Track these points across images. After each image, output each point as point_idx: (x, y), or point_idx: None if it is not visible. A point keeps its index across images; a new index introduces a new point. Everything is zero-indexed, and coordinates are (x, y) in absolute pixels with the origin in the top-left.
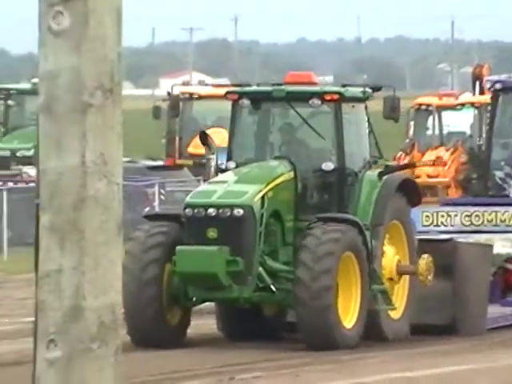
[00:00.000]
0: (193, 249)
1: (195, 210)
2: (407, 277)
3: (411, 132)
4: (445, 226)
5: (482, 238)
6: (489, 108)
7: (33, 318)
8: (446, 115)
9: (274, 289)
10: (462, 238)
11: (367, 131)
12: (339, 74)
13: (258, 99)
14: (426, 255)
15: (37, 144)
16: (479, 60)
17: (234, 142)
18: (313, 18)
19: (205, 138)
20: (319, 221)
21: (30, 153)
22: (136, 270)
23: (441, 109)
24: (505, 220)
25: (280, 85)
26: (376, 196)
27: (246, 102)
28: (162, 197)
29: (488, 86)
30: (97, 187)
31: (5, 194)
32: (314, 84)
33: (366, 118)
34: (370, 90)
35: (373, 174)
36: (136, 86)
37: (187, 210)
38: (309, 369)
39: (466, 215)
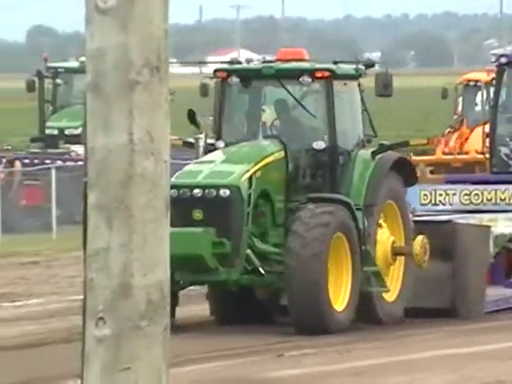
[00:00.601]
0: (177, 230)
1: (180, 191)
2: (403, 258)
3: (460, 108)
4: (443, 204)
5: (484, 218)
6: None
7: (81, 296)
8: None
9: (262, 271)
10: (463, 218)
11: (360, 109)
12: (386, 50)
13: (248, 77)
14: (421, 236)
15: (84, 122)
16: None
17: (223, 120)
18: None
19: (193, 117)
20: (309, 201)
21: (78, 131)
22: None
23: (489, 84)
24: (505, 198)
25: (271, 62)
26: (369, 175)
27: (235, 79)
28: None
29: (493, 59)
30: (144, 165)
31: (53, 172)
32: (306, 61)
33: (359, 96)
34: (362, 67)
35: (366, 152)
36: (182, 64)
37: (172, 191)
38: (354, 347)
39: (465, 194)
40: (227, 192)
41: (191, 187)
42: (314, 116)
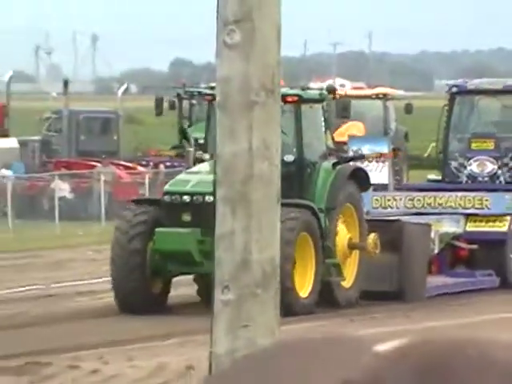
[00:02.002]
0: (169, 230)
1: (172, 197)
2: (358, 252)
3: None
4: (391, 208)
5: (431, 219)
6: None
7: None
8: None
9: None
10: (412, 219)
11: (323, 128)
12: (454, 78)
13: None
14: (373, 234)
15: (205, 133)
16: None
17: (209, 136)
18: (432, 32)
19: (184, 134)
20: (280, 206)
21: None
22: (123, 242)
23: None
24: (441, 203)
25: None
26: (330, 183)
27: None
28: None
29: (446, 89)
30: (260, 167)
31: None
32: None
33: (323, 116)
34: (325, 93)
35: (328, 164)
36: (291, 88)
37: (166, 197)
38: (417, 312)
39: (409, 199)
40: (211, 198)
41: (181, 194)
42: (285, 133)
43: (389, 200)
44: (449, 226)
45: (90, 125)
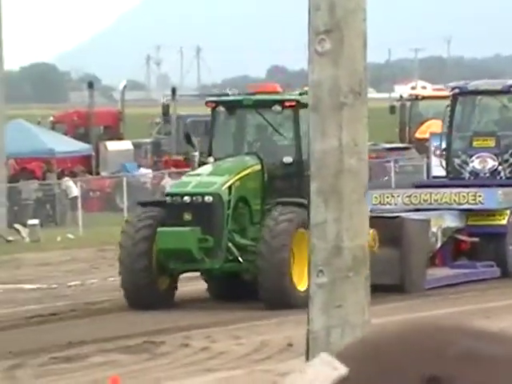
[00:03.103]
0: (170, 229)
1: (174, 198)
2: None
3: None
4: (390, 204)
5: (434, 215)
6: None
7: None
8: None
9: (241, 260)
10: (413, 215)
11: None
12: None
13: (232, 106)
14: (372, 229)
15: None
16: None
17: (213, 141)
18: (506, 36)
19: (189, 139)
20: (278, 204)
21: None
22: (129, 246)
23: None
24: (437, 199)
25: (252, 94)
26: None
27: (221, 108)
28: (397, 169)
29: (448, 91)
30: (350, 162)
31: None
32: (279, 93)
33: None
34: None
35: None
36: (377, 91)
37: (168, 198)
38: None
39: (407, 196)
40: (210, 198)
41: (182, 195)
42: (284, 136)
43: (387, 197)
44: (451, 221)
45: (195, 128)
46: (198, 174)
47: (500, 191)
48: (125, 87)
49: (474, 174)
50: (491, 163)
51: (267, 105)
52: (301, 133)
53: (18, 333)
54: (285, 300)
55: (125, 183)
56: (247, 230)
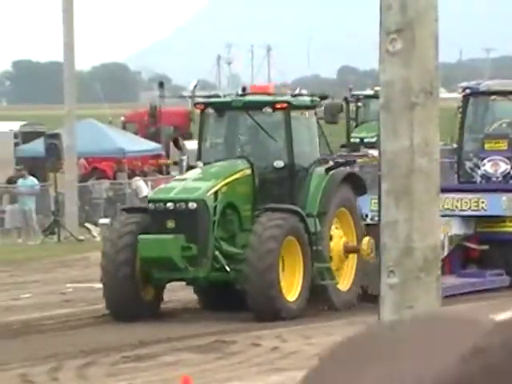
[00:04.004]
0: (152, 237)
1: (156, 204)
2: (355, 255)
3: None
4: None
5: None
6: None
7: None
8: None
9: (228, 269)
10: None
11: (317, 134)
12: None
13: (221, 108)
14: (367, 237)
15: (379, 133)
16: None
17: (202, 144)
18: None
19: (177, 143)
20: (267, 210)
21: (373, 140)
22: (112, 253)
23: None
24: (443, 205)
25: (243, 95)
26: (323, 188)
27: (210, 110)
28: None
29: (460, 90)
30: (421, 162)
31: (356, 169)
32: (271, 94)
33: (316, 123)
34: (317, 99)
35: (321, 169)
36: (448, 91)
37: (150, 205)
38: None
39: None
40: (194, 205)
41: (165, 201)
42: (275, 139)
43: None
44: (458, 228)
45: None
46: (183, 179)
47: (504, 197)
48: (195, 87)
49: (486, 177)
50: (503, 167)
51: (258, 106)
52: (293, 136)
53: (90, 332)
54: (273, 310)
55: None
56: (236, 237)
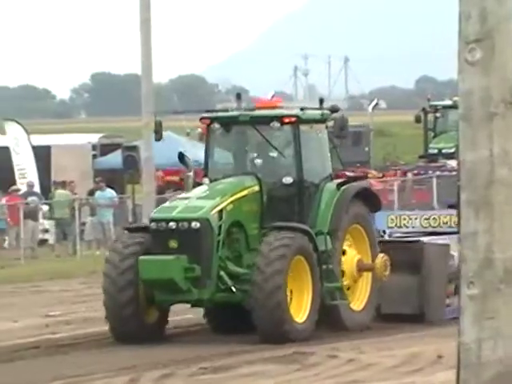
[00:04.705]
0: (153, 258)
1: (158, 224)
2: (370, 273)
3: None
4: (406, 227)
5: (454, 238)
6: None
7: None
8: None
9: (234, 290)
10: (433, 239)
11: (327, 148)
12: None
13: (227, 123)
14: (382, 254)
15: (457, 143)
16: None
17: (209, 160)
18: None
19: (182, 158)
20: (275, 229)
21: (452, 150)
22: (114, 276)
23: None
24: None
25: (252, 110)
26: (334, 204)
27: (216, 125)
28: None
29: None
30: (501, 173)
31: (434, 180)
32: (279, 108)
33: (326, 137)
34: (328, 112)
35: (332, 185)
36: None
37: (152, 224)
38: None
39: (425, 218)
40: (198, 224)
41: (167, 220)
42: (283, 155)
43: (404, 219)
44: None
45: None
46: (187, 198)
47: None
48: (272, 97)
49: None
50: None
51: (265, 121)
52: (302, 151)
53: (168, 343)
54: (281, 332)
55: None
56: (243, 257)
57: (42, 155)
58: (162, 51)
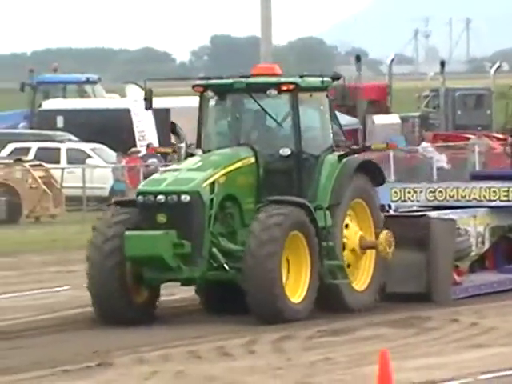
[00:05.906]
0: (139, 233)
1: (146, 197)
2: (373, 251)
3: None
4: (411, 201)
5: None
6: None
7: None
8: None
9: (227, 267)
10: (442, 214)
11: (328, 117)
12: None
13: (222, 91)
14: (386, 230)
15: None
16: None
17: (202, 131)
18: None
19: (174, 128)
20: (270, 203)
21: None
22: (99, 243)
23: None
24: (465, 196)
25: (246, 77)
26: (335, 177)
27: (210, 93)
28: None
29: None
30: None
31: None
32: (276, 75)
33: (328, 105)
34: (329, 79)
35: (333, 157)
36: None
37: (139, 197)
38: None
39: (431, 191)
40: (187, 197)
41: (155, 194)
42: (281, 125)
43: (409, 192)
44: (503, 219)
45: (464, 101)
46: (177, 169)
47: None
48: (392, 61)
49: None
50: None
51: (261, 89)
52: (301, 121)
53: None
54: (274, 310)
55: (391, 157)
56: (237, 233)
57: (161, 117)
58: (283, 13)
